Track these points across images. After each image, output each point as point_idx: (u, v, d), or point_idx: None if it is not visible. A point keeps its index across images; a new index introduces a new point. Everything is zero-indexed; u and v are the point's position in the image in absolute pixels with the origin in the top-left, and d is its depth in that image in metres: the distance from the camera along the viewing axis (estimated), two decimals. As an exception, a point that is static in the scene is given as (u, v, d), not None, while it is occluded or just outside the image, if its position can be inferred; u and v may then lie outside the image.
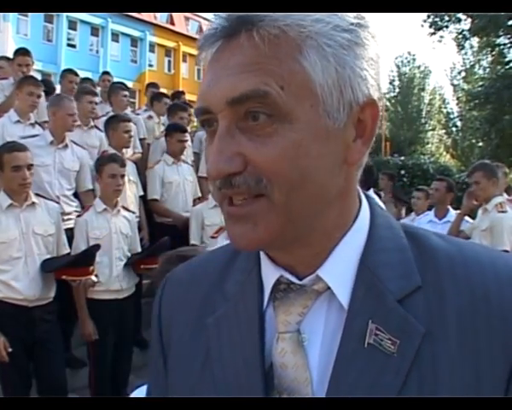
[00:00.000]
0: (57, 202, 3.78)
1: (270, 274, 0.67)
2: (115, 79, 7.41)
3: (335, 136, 0.59)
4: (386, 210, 0.71)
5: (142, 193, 4.89)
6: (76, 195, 4.43)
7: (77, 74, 6.03)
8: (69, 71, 6.00)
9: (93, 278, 3.49)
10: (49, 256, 3.35)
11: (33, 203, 3.31)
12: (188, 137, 5.25)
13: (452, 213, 5.26)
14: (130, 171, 4.51)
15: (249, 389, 0.65)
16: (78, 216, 3.74)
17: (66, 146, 4.26)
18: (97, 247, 3.50)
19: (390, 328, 0.60)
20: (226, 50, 0.58)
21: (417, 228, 0.70)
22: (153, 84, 7.78)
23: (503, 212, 3.98)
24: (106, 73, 7.54)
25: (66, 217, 3.92)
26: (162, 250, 3.98)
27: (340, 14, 0.58)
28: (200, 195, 5.20)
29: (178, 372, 0.73)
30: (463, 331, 0.58)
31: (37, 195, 3.45)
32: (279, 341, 0.64)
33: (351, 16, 0.59)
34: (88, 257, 3.47)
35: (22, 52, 5.52)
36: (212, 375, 0.68)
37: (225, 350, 0.68)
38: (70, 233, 3.72)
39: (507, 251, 3.70)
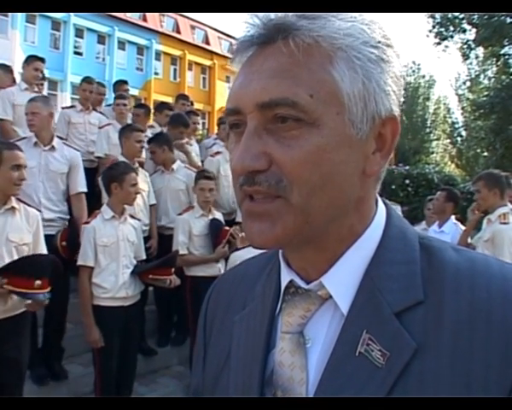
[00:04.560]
0: (39, 210, 3.44)
1: (284, 278, 0.70)
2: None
3: (357, 146, 0.61)
4: (405, 220, 0.71)
5: (153, 202, 4.86)
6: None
7: (92, 83, 6.04)
8: (85, 78, 6.00)
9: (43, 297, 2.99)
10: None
11: (13, 208, 3.05)
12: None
13: (450, 224, 5.32)
14: (142, 179, 4.48)
15: (249, 385, 0.68)
16: (86, 223, 3.70)
17: (53, 148, 4.07)
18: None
19: (382, 340, 0.60)
20: (260, 55, 0.61)
21: (435, 240, 0.68)
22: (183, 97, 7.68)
23: (505, 223, 3.94)
24: (123, 82, 7.35)
25: (46, 223, 3.67)
26: (172, 263, 4.00)
27: (369, 30, 0.61)
28: (195, 204, 4.71)
29: (210, 363, 0.79)
30: (457, 350, 0.57)
31: (19, 200, 3.19)
32: (280, 340, 0.68)
33: (379, 34, 0.62)
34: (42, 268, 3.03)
35: (39, 58, 5.58)
36: (229, 369, 0.73)
37: (241, 346, 0.72)
38: (50, 240, 3.59)
39: None
